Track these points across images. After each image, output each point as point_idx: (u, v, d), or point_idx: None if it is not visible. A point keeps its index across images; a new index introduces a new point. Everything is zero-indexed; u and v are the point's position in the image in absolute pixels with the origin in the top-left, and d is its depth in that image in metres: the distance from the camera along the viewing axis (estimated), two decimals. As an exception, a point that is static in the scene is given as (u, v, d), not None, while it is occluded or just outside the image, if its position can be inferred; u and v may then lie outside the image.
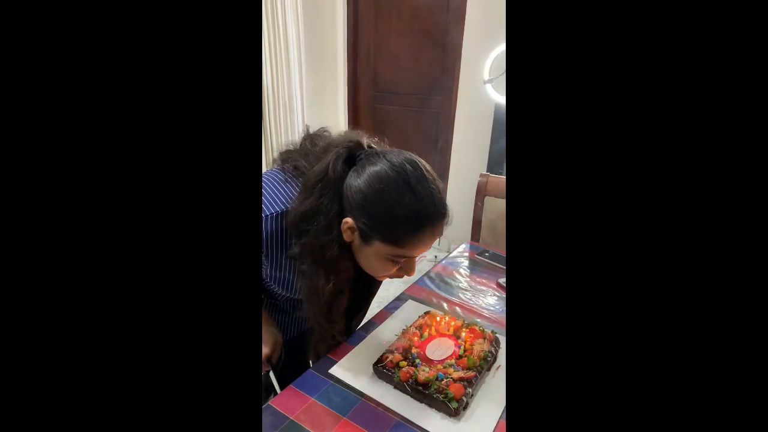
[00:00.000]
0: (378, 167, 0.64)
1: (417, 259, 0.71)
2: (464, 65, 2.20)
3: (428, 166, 0.67)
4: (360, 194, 0.63)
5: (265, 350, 0.76)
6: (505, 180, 1.33)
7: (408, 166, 0.64)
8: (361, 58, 2.68)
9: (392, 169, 0.63)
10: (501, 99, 1.93)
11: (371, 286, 0.86)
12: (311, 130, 0.77)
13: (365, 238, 0.65)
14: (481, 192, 1.35)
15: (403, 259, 0.68)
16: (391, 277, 0.73)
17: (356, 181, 0.64)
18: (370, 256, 0.67)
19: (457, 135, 2.34)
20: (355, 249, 0.69)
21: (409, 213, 0.62)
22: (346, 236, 0.67)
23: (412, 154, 0.68)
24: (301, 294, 0.72)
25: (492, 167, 2.06)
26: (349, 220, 0.65)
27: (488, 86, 1.93)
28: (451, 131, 2.36)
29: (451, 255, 1.18)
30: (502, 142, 2.03)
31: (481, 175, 1.36)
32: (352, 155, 0.68)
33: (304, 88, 2.47)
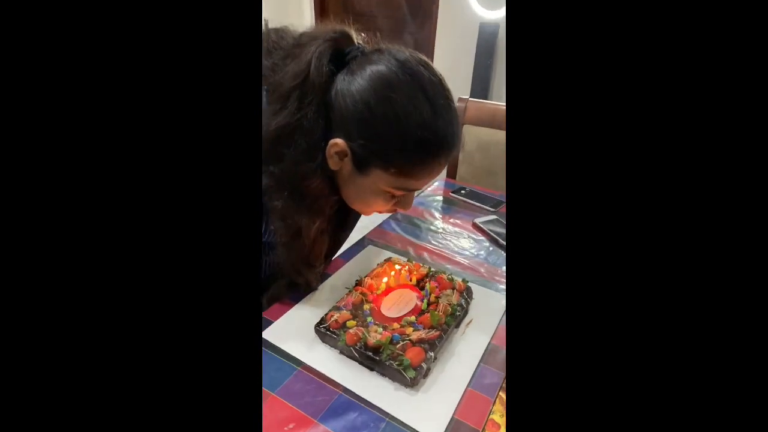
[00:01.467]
0: (382, 66, 0.46)
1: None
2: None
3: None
4: (360, 104, 0.46)
5: None
6: (488, 106, 1.15)
7: (422, 68, 0.47)
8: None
9: (402, 69, 0.46)
10: (487, 14, 1.68)
11: (348, 221, 0.70)
12: (270, 25, 0.56)
13: (361, 164, 0.50)
14: (459, 119, 1.16)
15: (402, 192, 0.53)
16: (381, 212, 0.59)
17: (352, 85, 0.47)
18: (364, 188, 0.52)
19: (437, 59, 2.10)
20: (342, 178, 0.53)
21: (426, 132, 0.46)
22: (332, 163, 0.51)
23: (421, 54, 0.50)
24: (269, 236, 0.57)
25: (475, 92, 1.85)
26: (339, 140, 0.49)
27: (471, -1, 1.68)
28: (431, 55, 2.12)
29: (422, 194, 1.02)
30: (487, 63, 1.80)
31: (460, 100, 1.17)
32: (341, 51, 0.50)
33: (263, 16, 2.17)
